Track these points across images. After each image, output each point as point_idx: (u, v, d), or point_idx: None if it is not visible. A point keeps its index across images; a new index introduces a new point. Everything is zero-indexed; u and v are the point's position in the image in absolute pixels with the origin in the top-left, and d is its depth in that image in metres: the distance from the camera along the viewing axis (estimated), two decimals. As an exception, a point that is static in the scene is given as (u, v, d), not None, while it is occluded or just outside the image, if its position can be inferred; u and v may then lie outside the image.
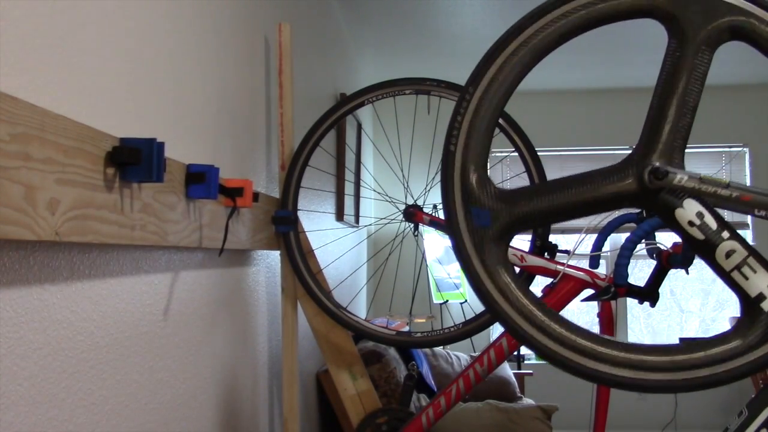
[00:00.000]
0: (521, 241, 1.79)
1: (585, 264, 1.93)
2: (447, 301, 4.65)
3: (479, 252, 0.86)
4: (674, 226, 0.84)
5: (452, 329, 1.95)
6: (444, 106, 1.87)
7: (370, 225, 3.94)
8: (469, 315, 2.07)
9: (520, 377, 4.08)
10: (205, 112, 1.50)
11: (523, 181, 2.01)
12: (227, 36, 1.68)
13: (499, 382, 3.69)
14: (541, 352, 0.84)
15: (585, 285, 1.85)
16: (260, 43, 2.00)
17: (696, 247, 0.84)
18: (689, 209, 0.83)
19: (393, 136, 2.65)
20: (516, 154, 1.95)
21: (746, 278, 0.82)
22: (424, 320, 4.40)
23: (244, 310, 1.81)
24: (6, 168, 0.75)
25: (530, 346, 0.84)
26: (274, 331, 2.10)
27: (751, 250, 0.82)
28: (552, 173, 2.63)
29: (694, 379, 0.82)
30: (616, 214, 1.94)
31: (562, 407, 3.09)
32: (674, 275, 4.77)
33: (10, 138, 0.76)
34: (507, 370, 3.93)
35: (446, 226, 0.88)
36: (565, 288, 1.84)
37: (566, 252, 1.90)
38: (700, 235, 0.83)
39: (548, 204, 0.87)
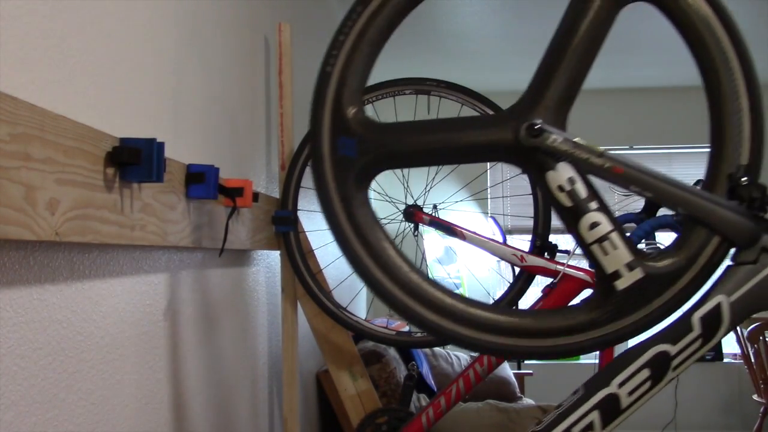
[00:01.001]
0: (521, 241, 1.79)
1: (585, 264, 1.93)
2: (447, 301, 4.65)
3: (339, 185, 0.80)
4: (543, 188, 0.80)
5: (452, 329, 1.94)
6: (444, 106, 1.86)
7: (370, 225, 3.93)
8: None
9: (520, 377, 4.07)
10: (205, 112, 1.50)
11: (523, 180, 2.01)
12: (227, 36, 1.68)
13: (499, 382, 3.68)
14: (383, 295, 0.79)
15: (585, 285, 1.84)
16: (260, 43, 2.00)
17: (561, 214, 0.80)
18: (561, 173, 0.79)
19: (393, 136, 2.67)
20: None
21: (605, 253, 0.79)
22: (424, 320, 4.39)
23: (244, 310, 1.81)
24: (6, 168, 0.75)
25: (372, 287, 0.80)
26: (274, 331, 2.10)
27: (617, 226, 0.79)
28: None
29: (533, 347, 0.78)
30: (615, 214, 1.94)
31: (562, 407, 3.09)
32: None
33: (10, 138, 0.76)
34: (507, 370, 3.93)
35: (311, 152, 0.82)
36: (566, 288, 1.84)
37: (566, 252, 1.90)
38: (567, 202, 0.79)
39: (421, 143, 0.81)
